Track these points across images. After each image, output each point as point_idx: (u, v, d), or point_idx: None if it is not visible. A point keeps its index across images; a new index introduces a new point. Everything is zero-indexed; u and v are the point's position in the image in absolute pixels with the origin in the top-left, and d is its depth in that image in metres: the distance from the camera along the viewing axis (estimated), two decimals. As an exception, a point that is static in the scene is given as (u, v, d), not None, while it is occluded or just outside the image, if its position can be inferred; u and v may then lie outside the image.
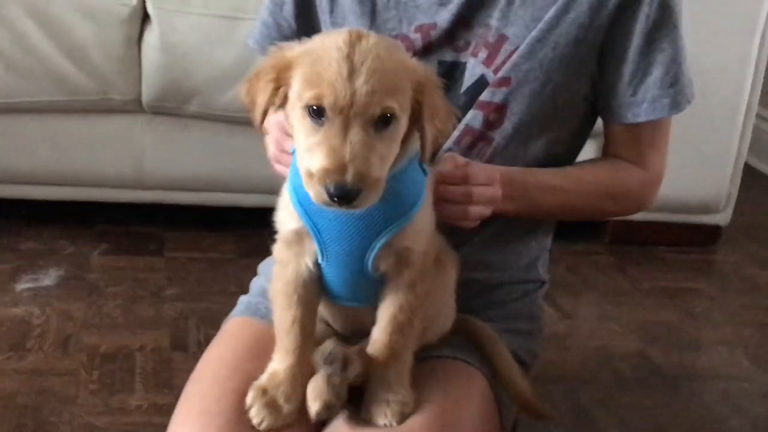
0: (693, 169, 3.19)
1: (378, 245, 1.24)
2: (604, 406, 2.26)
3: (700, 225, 3.37)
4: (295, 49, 1.19)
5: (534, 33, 1.46)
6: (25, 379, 2.10)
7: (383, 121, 1.14)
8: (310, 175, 1.13)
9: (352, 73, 1.12)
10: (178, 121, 2.85)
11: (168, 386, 2.12)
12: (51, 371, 2.15)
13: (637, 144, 1.58)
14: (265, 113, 1.21)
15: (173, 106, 2.80)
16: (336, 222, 1.23)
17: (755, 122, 3.27)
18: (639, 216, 3.17)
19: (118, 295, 2.57)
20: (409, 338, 1.30)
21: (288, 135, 1.37)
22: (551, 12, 1.45)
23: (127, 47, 2.73)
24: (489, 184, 1.39)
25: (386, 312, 1.29)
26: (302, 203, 1.24)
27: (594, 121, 1.61)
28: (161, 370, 2.20)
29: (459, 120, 1.45)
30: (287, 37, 1.53)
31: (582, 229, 3.24)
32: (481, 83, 1.50)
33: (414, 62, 1.22)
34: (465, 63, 1.50)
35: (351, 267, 1.27)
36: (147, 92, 2.76)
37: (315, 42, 1.19)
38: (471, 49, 1.50)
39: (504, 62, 1.47)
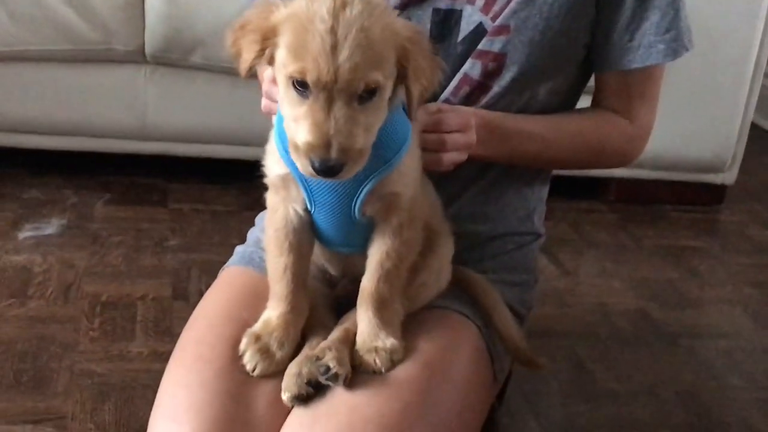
0: (699, 128, 3.18)
1: (364, 191, 1.24)
2: (602, 361, 2.26)
3: (705, 184, 3.36)
4: (281, 11, 1.17)
5: None
6: (25, 326, 2.12)
7: (368, 94, 1.14)
8: (296, 147, 1.14)
9: (335, 48, 1.10)
10: (182, 72, 2.84)
11: (168, 334, 2.13)
12: (52, 318, 2.16)
13: (626, 93, 1.57)
14: (250, 69, 1.20)
15: (176, 57, 2.79)
16: None
17: (762, 81, 3.25)
18: (644, 174, 3.23)
19: (120, 244, 2.58)
20: (396, 286, 1.31)
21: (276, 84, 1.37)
22: None
23: (131, -4, 2.72)
24: (462, 131, 1.38)
25: (374, 258, 1.30)
26: (287, 149, 1.23)
27: (591, 72, 1.59)
28: (162, 319, 2.21)
29: (447, 73, 1.43)
30: None
31: (586, 187, 3.24)
32: (478, 31, 1.48)
33: (400, 24, 1.19)
34: (461, 10, 1.48)
35: (339, 213, 1.27)
36: (150, 42, 2.75)
37: (300, 5, 1.15)
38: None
39: (503, 9, 1.46)
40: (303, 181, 1.25)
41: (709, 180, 3.35)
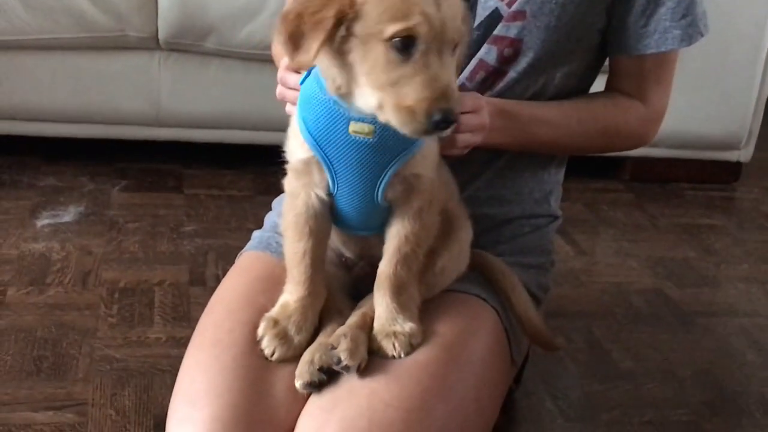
0: (714, 106, 3.17)
1: (390, 171, 1.25)
2: (618, 340, 2.26)
3: (720, 162, 3.35)
4: None
5: None
6: (45, 313, 2.13)
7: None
8: (404, 109, 1.12)
9: (439, 3, 1.13)
10: (195, 58, 2.84)
11: (186, 319, 2.14)
12: (71, 305, 2.18)
13: (641, 78, 1.57)
14: (319, 49, 1.14)
15: (190, 43, 2.79)
16: (348, 151, 1.24)
17: (778, 58, 3.22)
18: (659, 152, 3.21)
19: (137, 230, 2.59)
20: (414, 270, 1.31)
21: (293, 71, 1.37)
22: None
23: (144, -17, 2.72)
24: (474, 111, 1.38)
25: (392, 242, 1.30)
26: (312, 134, 1.24)
27: (606, 55, 1.59)
28: (179, 304, 2.22)
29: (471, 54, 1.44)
30: None
31: (601, 167, 3.23)
32: (494, 17, 1.48)
33: None
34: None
35: (362, 195, 1.28)
36: (163, 29, 2.76)
37: None
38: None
39: None
40: (328, 162, 1.25)
41: (725, 158, 3.34)
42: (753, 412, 2.03)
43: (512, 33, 1.47)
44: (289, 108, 1.40)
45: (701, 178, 3.36)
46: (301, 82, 1.29)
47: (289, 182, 1.32)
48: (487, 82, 1.49)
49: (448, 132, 1.15)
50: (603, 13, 1.50)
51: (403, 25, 1.11)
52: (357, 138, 1.23)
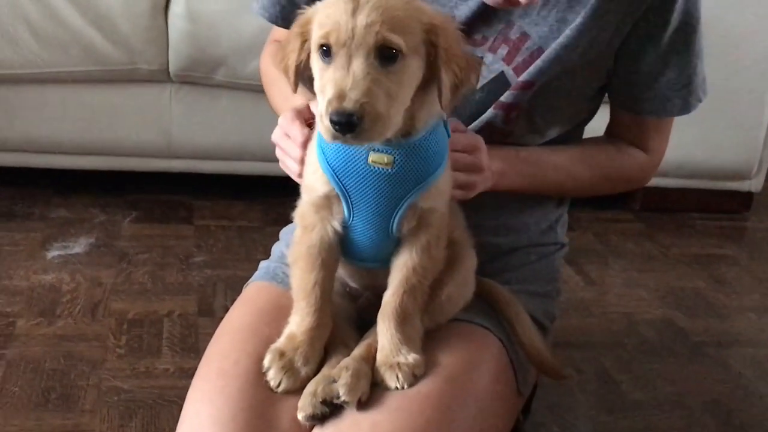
0: (725, 136, 3.17)
1: (406, 203, 1.25)
2: (628, 371, 2.25)
3: (731, 192, 3.35)
4: (315, 5, 1.22)
5: (561, 39, 1.45)
6: (53, 344, 2.14)
7: (388, 57, 1.16)
8: (321, 116, 1.15)
9: (355, 10, 1.15)
10: (206, 90, 2.87)
11: (194, 351, 2.15)
12: (79, 336, 2.18)
13: (641, 131, 1.61)
14: (296, 71, 1.24)
15: (200, 76, 2.81)
16: (366, 181, 1.25)
17: (788, 87, 3.22)
18: (670, 182, 3.21)
19: (147, 261, 2.60)
20: (419, 301, 1.31)
21: (300, 121, 1.39)
22: (580, 19, 1.44)
23: (154, 17, 2.75)
24: (468, 151, 1.39)
25: (399, 274, 1.30)
26: (331, 164, 1.25)
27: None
28: (188, 335, 2.23)
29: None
30: (297, 4, 1.55)
31: (611, 197, 3.20)
32: (500, 80, 1.49)
33: (430, 9, 1.22)
34: (481, 58, 1.49)
35: (377, 226, 1.28)
36: (174, 61, 2.78)
37: None
38: (489, 44, 1.50)
39: (526, 61, 1.47)
40: (345, 194, 1.26)
41: (736, 187, 3.33)
42: (764, 443, 2.02)
43: (520, 100, 1.49)
44: (287, 169, 1.44)
45: (712, 208, 3.36)
46: None
47: (304, 216, 1.32)
48: (492, 139, 1.49)
49: (352, 138, 1.14)
50: (605, 74, 1.55)
51: (321, 33, 1.17)
52: (376, 168, 1.24)
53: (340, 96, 1.13)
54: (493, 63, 1.49)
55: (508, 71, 1.48)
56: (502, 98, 1.49)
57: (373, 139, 1.16)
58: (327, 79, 1.16)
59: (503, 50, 1.48)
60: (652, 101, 1.54)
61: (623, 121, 1.61)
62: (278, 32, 1.70)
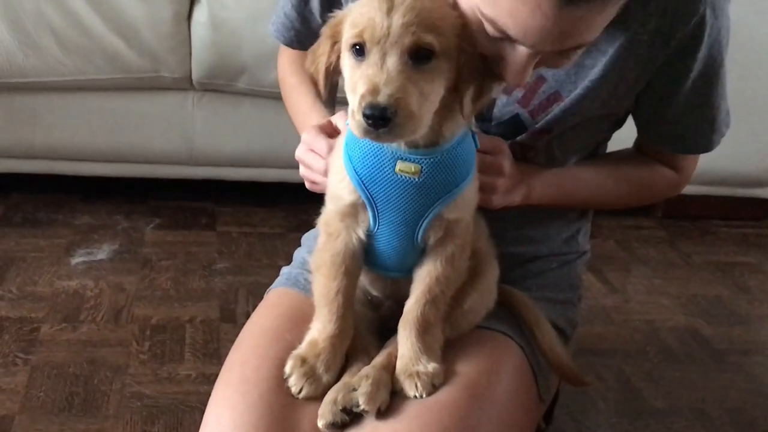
0: (747, 143, 3.15)
1: (432, 214, 1.26)
2: (650, 379, 2.25)
3: (754, 199, 3.34)
4: (350, 5, 1.24)
5: (580, 91, 1.44)
6: (77, 350, 2.16)
7: (422, 57, 1.16)
8: (353, 112, 1.15)
9: (390, 10, 1.15)
10: (228, 97, 2.88)
11: (216, 356, 2.16)
12: (103, 342, 2.20)
13: (671, 156, 1.61)
14: (327, 73, 1.25)
15: (223, 83, 2.83)
16: (393, 190, 1.25)
17: (810, 94, 3.21)
18: (692, 190, 3.19)
19: (169, 268, 2.62)
20: (441, 311, 1.32)
21: (323, 135, 1.41)
22: (597, 70, 1.43)
23: (177, 25, 2.77)
24: (491, 153, 1.39)
25: (422, 283, 1.31)
26: (358, 172, 1.25)
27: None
28: (210, 341, 2.24)
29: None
30: (312, 29, 1.56)
31: (633, 204, 3.22)
32: (516, 122, 1.50)
33: (461, 11, 1.22)
34: (495, 99, 1.49)
35: (402, 235, 1.28)
36: (197, 69, 2.80)
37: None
38: (503, 86, 1.49)
39: (542, 105, 1.47)
40: (371, 203, 1.26)
41: (758, 194, 3.32)
42: (787, 452, 2.01)
43: (538, 142, 1.50)
44: (311, 185, 1.45)
45: (734, 215, 3.34)
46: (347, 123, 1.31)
47: (329, 224, 1.32)
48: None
49: (384, 133, 1.13)
50: (624, 114, 1.57)
51: (354, 31, 1.17)
52: (403, 177, 1.23)
53: (374, 90, 1.12)
54: (507, 105, 1.49)
55: (524, 114, 1.48)
56: (520, 139, 1.50)
57: (405, 136, 1.16)
58: (359, 75, 1.16)
59: (519, 93, 1.48)
60: (673, 141, 1.55)
61: (653, 148, 1.60)
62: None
